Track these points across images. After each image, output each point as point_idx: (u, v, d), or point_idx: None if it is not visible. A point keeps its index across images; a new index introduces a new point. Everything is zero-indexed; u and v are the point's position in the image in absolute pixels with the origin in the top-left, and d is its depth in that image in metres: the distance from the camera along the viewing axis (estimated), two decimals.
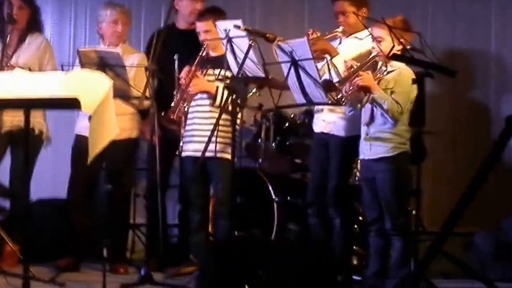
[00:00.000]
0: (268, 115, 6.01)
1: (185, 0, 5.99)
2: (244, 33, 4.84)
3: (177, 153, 5.56)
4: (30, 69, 5.47)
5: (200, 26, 5.48)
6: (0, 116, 5.64)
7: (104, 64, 5.24)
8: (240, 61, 4.89)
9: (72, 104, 4.07)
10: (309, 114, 5.71)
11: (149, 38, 6.10)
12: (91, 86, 4.17)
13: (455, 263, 3.50)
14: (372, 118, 4.92)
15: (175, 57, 5.37)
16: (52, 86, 4.26)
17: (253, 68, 4.93)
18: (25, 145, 4.75)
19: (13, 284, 4.78)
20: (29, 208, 5.43)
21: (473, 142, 6.41)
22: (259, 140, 6.02)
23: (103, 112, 4.22)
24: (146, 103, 5.41)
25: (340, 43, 5.31)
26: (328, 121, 5.26)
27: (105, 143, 4.27)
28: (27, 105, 4.34)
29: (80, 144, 5.59)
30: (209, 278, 4.09)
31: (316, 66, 4.76)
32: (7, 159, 5.79)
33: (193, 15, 5.91)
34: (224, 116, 5.10)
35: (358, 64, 4.87)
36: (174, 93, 5.45)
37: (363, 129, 4.98)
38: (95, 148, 4.23)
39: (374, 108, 4.88)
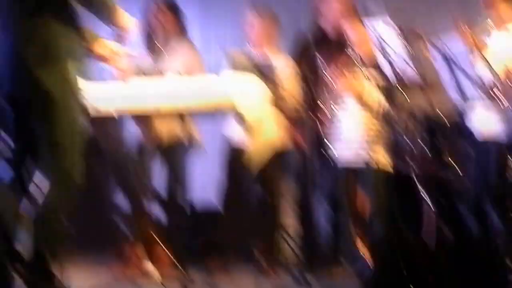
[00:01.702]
0: (417, 115, 5.89)
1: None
2: (394, 30, 4.77)
3: (325, 156, 5.54)
4: (179, 74, 5.53)
5: (347, 25, 5.43)
6: (150, 123, 5.70)
7: (254, 67, 5.26)
8: (390, 59, 4.82)
9: (230, 109, 4.09)
10: (462, 114, 5.56)
11: (294, 40, 6.09)
12: (249, 91, 4.18)
13: None
14: None
15: (319, 57, 5.35)
16: (207, 90, 4.30)
17: (404, 66, 4.85)
18: (178, 152, 4.80)
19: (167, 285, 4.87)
20: (183, 213, 5.55)
21: None
22: (408, 141, 5.90)
23: (262, 118, 4.22)
24: (296, 106, 5.40)
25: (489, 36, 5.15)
26: (484, 118, 5.11)
27: (265, 149, 4.27)
28: (182, 111, 4.37)
29: (231, 149, 5.65)
30: (370, 281, 4.03)
31: (470, 62, 4.65)
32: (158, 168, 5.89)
33: (335, 15, 5.87)
34: (374, 118, 5.08)
35: None
36: (320, 93, 5.43)
37: None
38: (256, 155, 4.24)
39: None
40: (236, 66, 5.35)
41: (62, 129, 3.69)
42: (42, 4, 3.66)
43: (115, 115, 4.52)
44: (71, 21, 3.74)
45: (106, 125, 5.77)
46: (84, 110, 3.81)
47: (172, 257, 5.38)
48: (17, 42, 3.65)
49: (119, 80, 4.34)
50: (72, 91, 3.70)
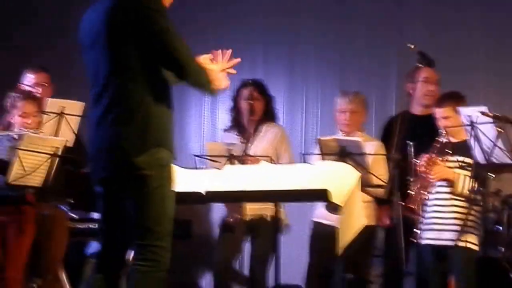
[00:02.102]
0: (509, 200, 5.78)
1: (418, 82, 5.89)
2: (490, 119, 4.72)
3: (414, 240, 5.46)
4: (271, 159, 5.52)
5: (439, 112, 5.36)
6: (239, 206, 5.71)
7: (345, 152, 5.23)
8: (485, 148, 4.77)
9: (321, 195, 4.09)
10: None
11: (384, 124, 6.07)
12: (340, 178, 4.19)
13: None
14: None
15: (410, 143, 5.30)
16: (300, 178, 4.30)
17: (500, 155, 4.78)
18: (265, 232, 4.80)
19: None
20: None
21: None
22: (500, 227, 5.77)
23: (352, 203, 4.23)
24: (385, 189, 5.36)
25: None
26: None
27: (354, 233, 4.26)
28: (277, 197, 4.39)
29: (319, 231, 5.62)
30: None
31: None
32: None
33: (427, 98, 5.84)
34: (464, 204, 5.00)
35: None
36: (410, 180, 5.37)
37: None
38: (345, 239, 4.23)
39: None
40: (326, 151, 5.33)
41: (154, 213, 3.73)
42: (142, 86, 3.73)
43: (205, 199, 4.55)
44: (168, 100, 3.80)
45: (196, 208, 5.82)
46: (176, 195, 3.84)
47: None
48: (117, 128, 3.72)
49: (212, 168, 4.37)
50: (166, 177, 3.75)
